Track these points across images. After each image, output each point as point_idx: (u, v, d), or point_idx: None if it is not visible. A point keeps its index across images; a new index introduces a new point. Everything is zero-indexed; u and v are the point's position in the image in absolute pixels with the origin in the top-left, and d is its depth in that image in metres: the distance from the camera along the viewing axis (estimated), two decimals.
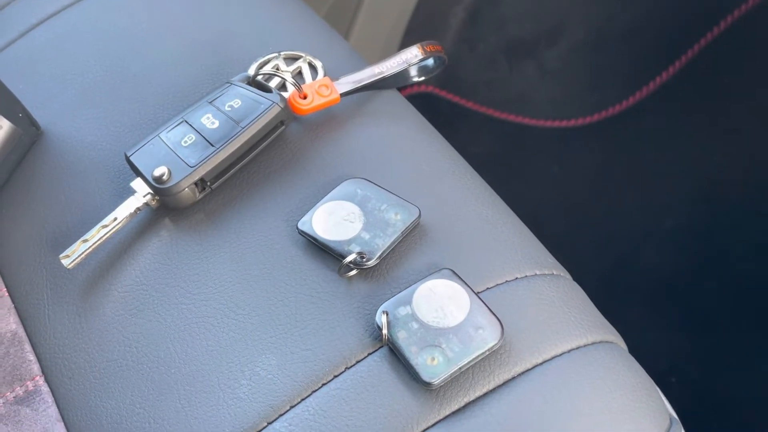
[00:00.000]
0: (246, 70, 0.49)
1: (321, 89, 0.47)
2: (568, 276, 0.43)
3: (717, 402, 0.84)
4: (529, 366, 0.37)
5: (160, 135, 0.45)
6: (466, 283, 0.39)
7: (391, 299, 0.39)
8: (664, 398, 0.40)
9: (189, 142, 0.44)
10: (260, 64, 0.49)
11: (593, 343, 0.39)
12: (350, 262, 0.40)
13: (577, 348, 0.38)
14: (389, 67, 0.48)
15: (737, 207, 0.95)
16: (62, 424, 0.40)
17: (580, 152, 1.03)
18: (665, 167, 0.99)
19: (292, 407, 0.38)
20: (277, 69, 0.49)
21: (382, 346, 0.39)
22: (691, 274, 0.92)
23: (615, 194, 0.99)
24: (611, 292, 0.90)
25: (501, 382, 0.37)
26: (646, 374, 0.40)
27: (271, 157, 0.46)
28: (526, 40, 1.06)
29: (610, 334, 0.40)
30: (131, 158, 0.44)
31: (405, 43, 0.87)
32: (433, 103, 1.05)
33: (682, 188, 0.97)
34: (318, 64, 0.49)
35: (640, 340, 0.48)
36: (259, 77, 0.47)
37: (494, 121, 1.04)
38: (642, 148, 1.01)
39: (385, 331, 0.38)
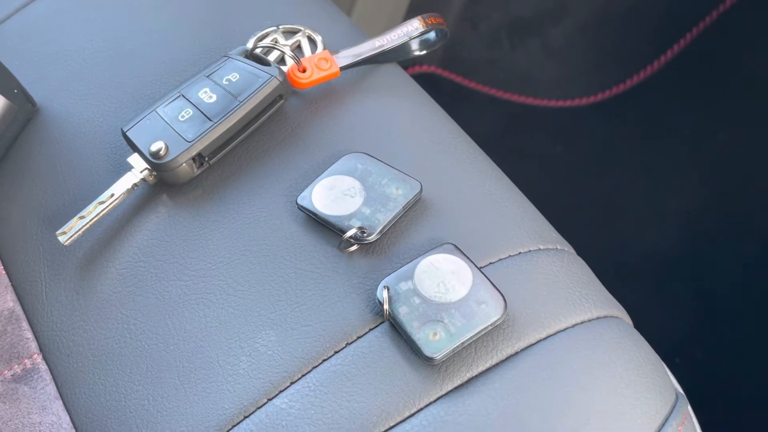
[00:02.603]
0: (244, 43, 0.48)
1: (320, 63, 0.46)
2: (572, 251, 0.42)
3: (722, 382, 0.84)
4: (532, 341, 0.37)
5: (157, 110, 0.44)
6: (468, 258, 0.38)
7: (393, 274, 0.38)
8: (670, 374, 0.40)
9: (186, 116, 0.43)
10: (259, 37, 0.48)
11: (598, 318, 0.38)
12: (351, 237, 0.40)
13: (582, 323, 0.38)
14: (390, 39, 0.47)
15: (743, 187, 0.94)
16: (60, 401, 0.40)
17: (584, 132, 1.02)
18: (669, 147, 0.98)
19: (292, 383, 0.37)
20: (276, 42, 0.48)
21: (383, 322, 0.38)
22: (697, 255, 0.92)
23: (619, 174, 0.98)
24: (616, 272, 0.89)
25: (504, 357, 0.36)
26: (652, 349, 0.39)
27: (270, 131, 0.45)
28: (529, 19, 1.05)
29: (615, 309, 0.40)
30: (128, 133, 0.43)
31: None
32: (435, 83, 1.04)
33: (687, 168, 0.96)
34: (317, 37, 0.48)
35: (645, 321, 0.48)
36: (258, 51, 0.47)
37: (497, 101, 1.04)
38: (646, 128, 1.00)
39: (386, 306, 0.37)
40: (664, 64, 1.01)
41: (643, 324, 0.45)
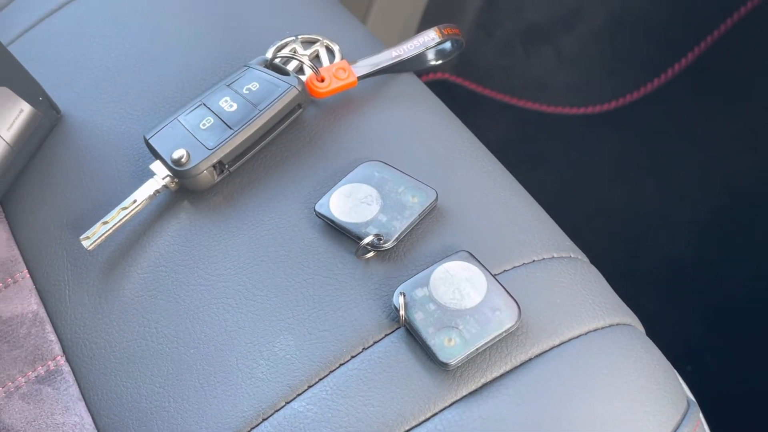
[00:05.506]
0: (263, 53, 0.49)
1: (338, 72, 0.47)
2: (586, 259, 0.43)
3: (734, 390, 0.84)
4: (546, 348, 0.37)
5: (178, 118, 0.45)
6: (483, 265, 0.39)
7: (409, 281, 0.39)
8: (681, 381, 0.40)
9: (207, 124, 0.44)
10: (278, 47, 0.49)
11: (611, 326, 0.39)
12: (367, 243, 0.40)
13: (595, 330, 0.38)
14: (407, 50, 0.48)
15: (757, 196, 0.94)
16: (83, 403, 0.41)
17: (598, 139, 1.02)
18: (684, 155, 0.98)
19: (310, 387, 0.38)
20: (295, 52, 0.49)
21: (399, 327, 0.39)
22: (709, 263, 0.92)
23: (633, 182, 0.98)
24: (628, 279, 0.89)
25: (518, 363, 0.37)
26: (664, 357, 0.39)
27: (288, 139, 0.46)
28: (543, 26, 1.06)
29: (627, 316, 0.40)
30: (150, 141, 0.44)
31: (422, 28, 0.86)
32: (449, 90, 1.04)
33: (701, 176, 0.96)
34: (335, 47, 0.49)
35: (657, 328, 0.48)
36: (277, 60, 0.47)
37: (511, 107, 1.04)
38: (661, 136, 1.01)
39: (402, 312, 0.38)
40: (679, 72, 1.01)
41: (656, 331, 0.45)
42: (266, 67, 0.47)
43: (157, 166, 0.44)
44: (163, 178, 0.44)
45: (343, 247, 0.41)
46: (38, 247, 0.46)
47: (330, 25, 0.52)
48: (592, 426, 0.35)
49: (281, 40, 0.49)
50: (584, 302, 0.39)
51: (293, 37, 0.49)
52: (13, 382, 0.42)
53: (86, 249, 0.43)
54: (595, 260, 0.44)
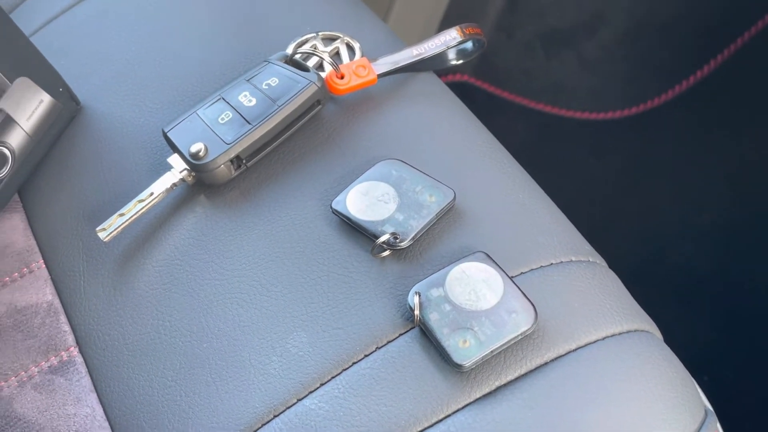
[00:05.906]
0: (284, 49, 0.49)
1: (358, 69, 0.46)
2: (604, 263, 0.42)
3: (751, 401, 0.83)
4: (562, 352, 0.37)
5: (197, 112, 0.45)
6: (500, 267, 0.39)
7: (424, 280, 0.39)
8: (699, 390, 0.40)
9: (226, 119, 0.44)
10: (298, 43, 0.49)
11: (628, 332, 0.38)
12: (383, 242, 0.40)
13: (612, 335, 0.38)
14: (428, 48, 0.48)
15: None
16: (95, 394, 0.41)
17: (617, 144, 1.01)
18: (702, 163, 0.97)
19: (322, 384, 0.38)
20: (315, 49, 0.49)
21: (413, 327, 0.38)
22: (727, 272, 0.91)
23: (651, 188, 0.98)
24: (644, 285, 0.88)
25: (533, 367, 0.37)
26: (682, 365, 0.39)
27: (307, 136, 0.46)
28: (564, 30, 1.05)
29: (645, 323, 0.40)
30: (168, 134, 0.44)
31: (443, 29, 0.86)
32: (468, 92, 1.04)
33: (719, 184, 0.95)
34: (356, 44, 0.49)
35: (673, 336, 0.47)
36: (297, 56, 0.47)
37: (530, 111, 1.03)
38: (680, 143, 1.00)
39: (417, 312, 0.38)
40: (701, 80, 1.00)
41: (672, 340, 0.44)
42: (286, 62, 0.47)
43: (174, 160, 0.44)
44: (181, 172, 0.44)
45: (359, 245, 0.41)
46: (55, 238, 0.46)
47: (351, 22, 0.51)
48: None
49: (302, 36, 0.49)
50: (602, 307, 0.39)
51: (314, 34, 0.49)
52: (26, 372, 0.42)
53: (102, 240, 0.43)
54: (611, 265, 0.43)
